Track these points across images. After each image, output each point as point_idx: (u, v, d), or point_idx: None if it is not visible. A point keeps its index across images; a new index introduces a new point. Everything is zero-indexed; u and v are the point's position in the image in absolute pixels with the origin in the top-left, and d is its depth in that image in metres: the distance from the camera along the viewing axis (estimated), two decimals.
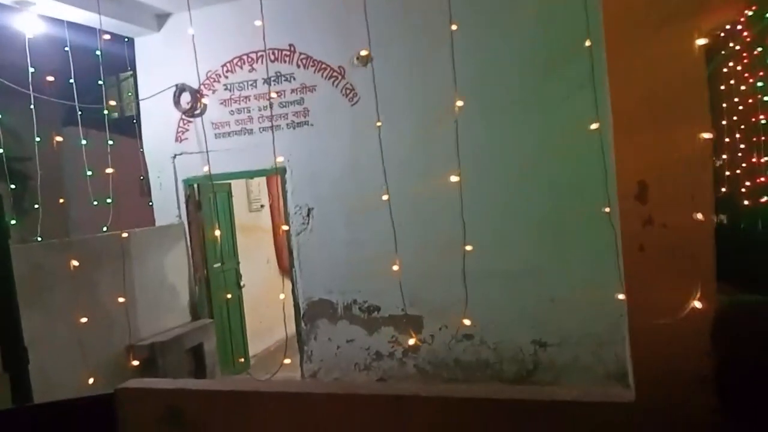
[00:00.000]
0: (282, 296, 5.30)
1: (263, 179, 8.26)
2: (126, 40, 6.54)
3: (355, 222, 5.80)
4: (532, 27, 5.20)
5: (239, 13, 6.03)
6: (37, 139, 5.51)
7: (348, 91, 5.74)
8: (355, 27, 5.59)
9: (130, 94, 11.54)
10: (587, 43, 3.66)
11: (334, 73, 5.77)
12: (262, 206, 8.32)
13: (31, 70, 5.44)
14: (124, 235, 5.58)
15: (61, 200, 7.12)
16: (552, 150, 5.15)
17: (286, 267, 8.63)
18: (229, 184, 7.05)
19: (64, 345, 4.92)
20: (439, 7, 5.25)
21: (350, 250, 5.85)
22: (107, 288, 5.38)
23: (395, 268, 4.49)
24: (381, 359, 5.86)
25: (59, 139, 6.18)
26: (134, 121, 6.69)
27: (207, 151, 6.15)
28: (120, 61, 6.60)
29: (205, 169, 5.99)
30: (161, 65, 6.36)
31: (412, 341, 5.64)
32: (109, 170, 5.99)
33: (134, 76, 10.34)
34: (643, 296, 2.42)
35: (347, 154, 5.77)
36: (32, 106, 5.31)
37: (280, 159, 5.98)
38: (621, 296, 2.57)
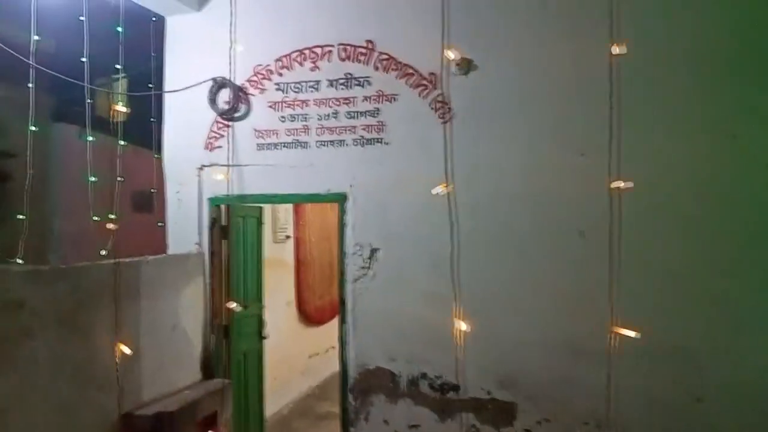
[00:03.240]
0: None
1: (290, 205, 6.94)
2: (154, 19, 5.26)
3: (434, 271, 4.49)
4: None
5: None
6: (33, 128, 4.15)
7: (439, 105, 4.50)
8: (454, 26, 4.41)
9: (120, 102, 10.23)
10: None
11: (423, 81, 4.53)
12: (287, 237, 6.97)
13: (36, 38, 4.12)
14: (129, 261, 4.22)
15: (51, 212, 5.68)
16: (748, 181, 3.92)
17: (309, 313, 7.32)
18: (260, 208, 5.71)
19: (45, 413, 3.50)
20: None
21: (425, 307, 4.52)
22: (105, 334, 3.97)
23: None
24: None
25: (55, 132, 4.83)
26: (152, 119, 5.35)
27: (245, 165, 4.86)
28: (144, 44, 5.29)
29: (243, 186, 4.71)
30: (197, 53, 5.07)
31: None
32: (119, 178, 4.71)
33: (127, 77, 9.09)
34: None
35: (432, 184, 4.49)
36: (31, 84, 3.97)
37: (341, 183, 4.70)
38: None
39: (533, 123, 4.31)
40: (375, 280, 4.65)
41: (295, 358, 7.21)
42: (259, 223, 5.69)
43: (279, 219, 6.75)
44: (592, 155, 4.14)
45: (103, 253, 4.79)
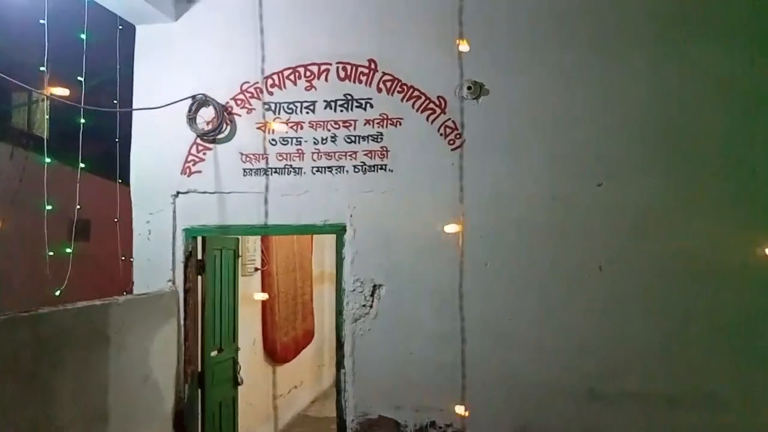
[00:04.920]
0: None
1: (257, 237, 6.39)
2: (120, 27, 4.69)
3: (442, 309, 4.14)
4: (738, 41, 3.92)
5: (299, 7, 4.41)
6: None
7: (449, 131, 4.20)
8: (464, 46, 4.16)
9: (47, 117, 9.35)
10: None
11: (431, 105, 4.22)
12: (256, 269, 6.39)
13: None
14: (98, 304, 3.63)
15: None
16: None
17: (274, 351, 6.75)
18: (237, 239, 5.17)
19: None
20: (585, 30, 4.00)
21: (433, 349, 4.14)
22: (68, 395, 3.33)
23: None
24: None
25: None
26: (116, 140, 4.73)
27: (228, 192, 4.37)
28: (106, 55, 4.70)
29: (225, 215, 4.21)
30: (173, 67, 4.53)
31: None
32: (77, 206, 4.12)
33: (48, 98, 8.30)
34: None
35: (440, 215, 4.17)
36: None
37: (340, 213, 4.29)
38: None
39: (548, 151, 4.10)
40: (378, 319, 4.23)
41: (260, 402, 6.58)
42: (236, 255, 5.15)
43: (248, 249, 6.18)
44: (610, 185, 3.99)
45: (57, 293, 4.15)
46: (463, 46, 4.10)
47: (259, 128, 4.40)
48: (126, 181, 4.63)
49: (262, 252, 6.51)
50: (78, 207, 4.17)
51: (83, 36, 4.25)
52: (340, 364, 4.30)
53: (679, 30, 3.98)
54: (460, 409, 4.05)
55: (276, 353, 6.88)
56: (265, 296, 6.37)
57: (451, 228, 4.14)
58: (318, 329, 8.55)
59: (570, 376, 3.97)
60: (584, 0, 4.09)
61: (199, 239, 4.59)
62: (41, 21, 3.87)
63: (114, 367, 3.73)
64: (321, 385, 9.07)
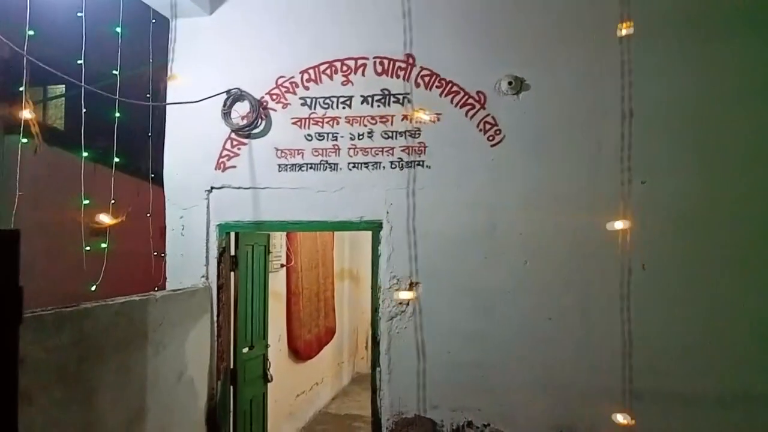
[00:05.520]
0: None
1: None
2: (153, 21, 4.64)
3: (482, 307, 4.08)
4: None
5: (334, 2, 4.34)
6: (23, 140, 3.45)
7: (488, 126, 4.13)
8: (504, 41, 4.10)
9: (60, 119, 9.30)
10: None
11: (470, 100, 4.16)
12: (282, 266, 6.35)
13: (30, 32, 3.45)
14: (137, 299, 3.59)
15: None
16: None
17: (298, 348, 6.71)
18: (268, 235, 5.12)
19: None
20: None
21: (471, 347, 4.09)
22: (109, 393, 3.28)
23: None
24: None
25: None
26: (149, 134, 4.69)
27: (263, 188, 4.32)
28: (139, 49, 4.65)
29: (259, 211, 4.16)
30: (207, 61, 4.48)
31: None
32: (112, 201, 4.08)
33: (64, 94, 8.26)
34: None
35: (479, 212, 4.11)
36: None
37: (376, 209, 4.23)
38: None
39: (590, 147, 4.02)
40: (414, 318, 4.17)
41: (283, 399, 6.55)
42: (267, 251, 5.10)
43: (274, 246, 6.14)
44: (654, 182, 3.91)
45: (93, 288, 4.12)
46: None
47: (294, 123, 4.35)
48: (158, 178, 4.59)
49: (287, 248, 6.47)
50: (113, 201, 4.12)
51: (118, 30, 4.18)
52: (375, 363, 4.25)
53: (717, 26, 3.90)
54: (499, 407, 4.00)
55: (300, 350, 6.85)
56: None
57: (489, 225, 4.08)
58: (338, 326, 8.51)
59: (611, 377, 3.89)
60: None
61: (232, 235, 4.54)
62: (78, 14, 3.82)
63: (152, 365, 3.68)
64: (341, 382, 9.04)
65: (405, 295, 4.16)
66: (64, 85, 8.04)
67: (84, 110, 3.85)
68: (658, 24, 3.96)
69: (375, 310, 4.26)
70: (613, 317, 3.92)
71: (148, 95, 4.59)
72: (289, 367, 6.80)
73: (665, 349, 3.86)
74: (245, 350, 4.71)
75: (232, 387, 4.55)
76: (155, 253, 4.62)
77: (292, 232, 6.40)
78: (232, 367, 4.56)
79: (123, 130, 4.62)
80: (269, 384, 5.24)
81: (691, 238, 3.85)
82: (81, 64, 3.75)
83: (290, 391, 6.87)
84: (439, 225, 4.16)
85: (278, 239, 6.19)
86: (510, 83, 4.08)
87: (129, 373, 3.47)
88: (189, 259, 4.46)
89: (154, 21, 4.62)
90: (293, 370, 6.93)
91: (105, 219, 4.20)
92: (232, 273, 4.56)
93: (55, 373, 2.93)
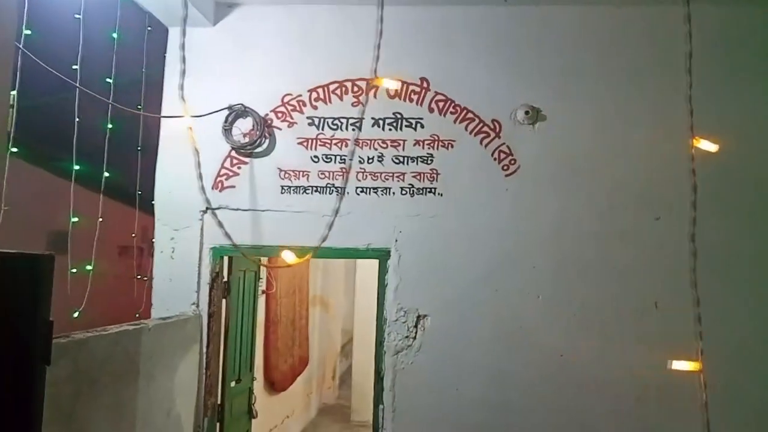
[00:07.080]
0: None
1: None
2: (149, 28, 4.36)
3: (491, 344, 3.93)
4: None
5: (347, 20, 4.19)
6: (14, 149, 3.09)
7: (503, 155, 4.04)
8: (523, 69, 4.05)
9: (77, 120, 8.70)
10: None
11: (485, 128, 4.06)
12: (263, 292, 6.04)
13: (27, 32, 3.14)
14: (130, 329, 3.26)
15: None
16: None
17: (275, 379, 6.37)
18: (259, 260, 4.83)
19: None
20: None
21: (480, 385, 3.91)
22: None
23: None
24: None
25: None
26: (138, 148, 4.37)
27: (263, 210, 4.07)
28: (132, 57, 4.36)
29: (260, 235, 3.92)
30: (208, 74, 4.22)
31: None
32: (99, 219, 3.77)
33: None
34: None
35: (492, 243, 3.98)
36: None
37: (385, 237, 4.04)
38: None
39: (604, 181, 3.98)
40: (422, 353, 3.97)
41: None
42: (257, 277, 4.81)
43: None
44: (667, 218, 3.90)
45: (76, 315, 3.75)
46: None
47: (300, 143, 4.13)
48: (145, 196, 4.27)
49: (268, 273, 6.17)
50: (100, 219, 3.77)
51: (114, 35, 3.89)
52: (378, 399, 4.01)
53: (733, 63, 3.97)
54: None
55: (276, 381, 6.52)
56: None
57: (502, 257, 3.96)
58: (309, 356, 8.19)
59: (627, 419, 3.80)
60: (648, 32, 4.02)
61: (225, 259, 4.25)
62: (76, 15, 3.52)
63: (142, 400, 3.34)
64: (309, 415, 8.67)
65: (412, 328, 3.96)
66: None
67: (77, 119, 3.52)
68: (680, 60, 3.97)
69: (379, 343, 4.04)
70: (630, 356, 3.83)
71: (139, 106, 4.28)
72: (264, 399, 6.43)
73: (682, 389, 3.79)
74: (233, 384, 4.37)
75: (218, 424, 4.20)
76: (138, 276, 4.27)
77: (275, 257, 6.10)
78: (219, 402, 4.22)
79: (93, 140, 4.27)
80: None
81: (706, 277, 3.82)
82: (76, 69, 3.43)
83: (264, 426, 6.49)
84: (450, 255, 4.01)
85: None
86: (527, 113, 4.01)
87: (122, 409, 3.13)
88: (178, 284, 4.13)
89: (150, 28, 4.34)
90: (268, 403, 6.56)
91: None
92: (224, 300, 4.25)
93: (48, 411, 2.57)
